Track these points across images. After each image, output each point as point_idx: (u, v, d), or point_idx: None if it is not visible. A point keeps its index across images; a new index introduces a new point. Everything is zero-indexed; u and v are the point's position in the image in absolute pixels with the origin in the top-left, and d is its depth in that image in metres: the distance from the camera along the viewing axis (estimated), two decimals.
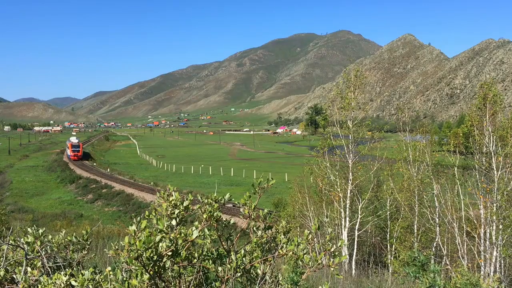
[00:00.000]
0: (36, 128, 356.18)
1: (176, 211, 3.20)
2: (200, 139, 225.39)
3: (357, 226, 16.24)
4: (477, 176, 12.75)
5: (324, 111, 24.29)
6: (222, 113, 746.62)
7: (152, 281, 2.89)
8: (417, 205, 15.89)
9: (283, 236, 3.46)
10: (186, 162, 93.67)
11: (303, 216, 18.25)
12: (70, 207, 51.44)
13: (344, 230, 16.34)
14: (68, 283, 2.90)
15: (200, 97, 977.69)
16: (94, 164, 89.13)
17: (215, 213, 3.19)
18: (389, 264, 16.12)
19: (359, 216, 16.13)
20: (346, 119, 16.55)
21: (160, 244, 2.89)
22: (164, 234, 2.98)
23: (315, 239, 3.53)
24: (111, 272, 2.90)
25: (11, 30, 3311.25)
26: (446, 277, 12.03)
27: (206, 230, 3.26)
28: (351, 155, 16.47)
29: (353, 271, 15.18)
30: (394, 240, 16.64)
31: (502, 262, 12.64)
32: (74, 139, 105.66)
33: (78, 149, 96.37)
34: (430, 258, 12.80)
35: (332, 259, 3.27)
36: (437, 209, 14.50)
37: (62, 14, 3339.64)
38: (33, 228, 3.64)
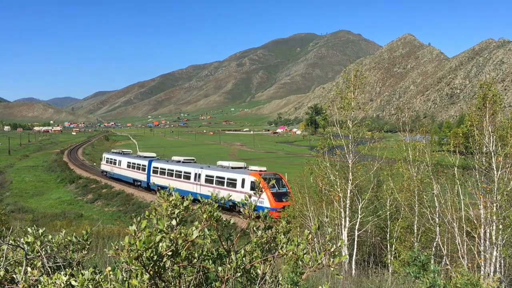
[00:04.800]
0: (36, 128, 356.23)
1: (176, 211, 3.20)
2: (200, 139, 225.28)
3: (357, 226, 16.23)
4: (477, 176, 12.74)
5: (324, 111, 24.28)
6: (222, 113, 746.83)
7: (152, 281, 2.89)
8: (417, 205, 15.88)
9: (283, 236, 3.46)
10: None
11: (303, 216, 18.23)
12: (70, 207, 51.34)
13: (344, 230, 16.33)
14: (68, 283, 2.90)
15: (200, 97, 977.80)
16: (94, 164, 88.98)
17: (215, 213, 3.19)
18: (389, 264, 16.11)
19: (359, 216, 16.12)
20: (346, 119, 16.53)
21: (160, 244, 2.89)
22: (164, 234, 2.98)
23: (315, 239, 3.53)
24: (111, 272, 2.90)
25: (11, 30, 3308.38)
26: (446, 277, 12.02)
27: (206, 230, 3.26)
28: (351, 155, 16.46)
29: (353, 271, 15.18)
30: (394, 240, 16.63)
31: (502, 262, 12.64)
32: (256, 167, 41.07)
33: (286, 190, 32.49)
34: (430, 258, 12.80)
35: (332, 259, 3.27)
36: (437, 209, 14.49)
37: (62, 14, 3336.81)
38: (33, 228, 3.64)
